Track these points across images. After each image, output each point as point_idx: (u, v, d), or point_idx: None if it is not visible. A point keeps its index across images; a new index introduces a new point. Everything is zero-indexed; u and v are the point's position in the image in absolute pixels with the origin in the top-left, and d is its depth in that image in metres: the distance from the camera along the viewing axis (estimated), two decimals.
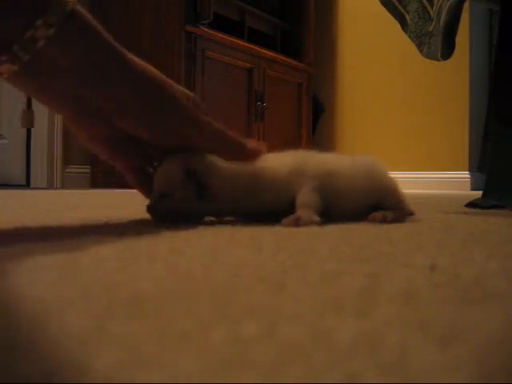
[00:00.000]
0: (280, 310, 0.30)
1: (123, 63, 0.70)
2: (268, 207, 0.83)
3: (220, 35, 3.17)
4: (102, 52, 0.68)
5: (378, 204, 0.91)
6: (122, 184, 3.09)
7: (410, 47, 1.67)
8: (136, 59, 0.73)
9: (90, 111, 0.70)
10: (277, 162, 0.85)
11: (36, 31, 0.58)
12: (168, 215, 0.80)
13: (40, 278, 0.40)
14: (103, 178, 3.18)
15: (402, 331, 0.26)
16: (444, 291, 0.35)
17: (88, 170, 3.24)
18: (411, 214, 0.95)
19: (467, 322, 0.28)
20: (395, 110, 3.84)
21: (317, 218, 0.79)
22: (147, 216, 0.83)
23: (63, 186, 3.17)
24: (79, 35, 0.64)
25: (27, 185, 3.24)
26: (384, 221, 0.85)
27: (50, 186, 3.16)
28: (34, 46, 0.59)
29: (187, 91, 0.79)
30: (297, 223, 0.77)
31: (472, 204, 1.39)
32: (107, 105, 0.69)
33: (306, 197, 0.81)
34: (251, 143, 0.79)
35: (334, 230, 0.73)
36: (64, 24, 0.60)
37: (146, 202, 0.83)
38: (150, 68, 0.74)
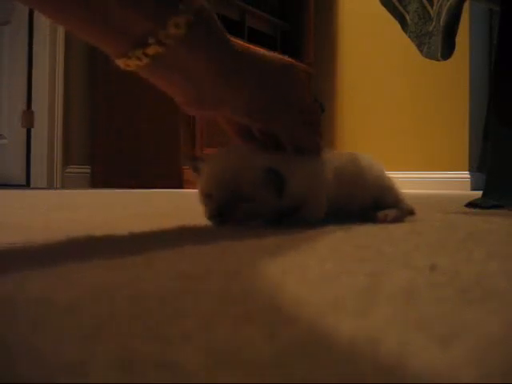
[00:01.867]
0: (280, 310, 0.30)
1: (248, 58, 0.71)
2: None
3: None
4: (227, 51, 0.68)
5: (377, 203, 0.91)
6: (121, 184, 3.10)
7: (410, 47, 1.67)
8: (255, 52, 0.74)
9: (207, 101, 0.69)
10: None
11: (168, 30, 0.58)
12: (247, 218, 0.77)
13: (40, 279, 0.40)
14: (103, 178, 3.18)
15: (402, 331, 0.26)
16: (444, 291, 0.35)
17: (88, 170, 3.24)
18: (412, 212, 0.95)
19: (467, 321, 0.28)
20: (395, 110, 3.84)
21: None
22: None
23: (63, 186, 3.17)
24: (206, 35, 0.64)
25: (27, 185, 3.24)
26: (385, 220, 0.85)
27: (50, 185, 3.16)
28: (164, 44, 0.59)
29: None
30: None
31: (472, 204, 1.39)
32: (236, 102, 0.70)
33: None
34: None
35: (334, 230, 0.73)
36: (193, 24, 0.60)
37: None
38: (272, 59, 0.76)
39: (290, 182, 0.75)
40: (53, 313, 0.30)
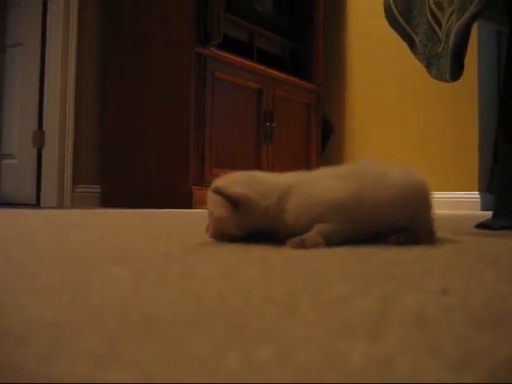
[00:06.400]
0: (292, 333, 0.31)
1: None
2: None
3: (229, 56, 3.19)
4: None
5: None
6: (131, 204, 3.11)
7: (419, 68, 1.68)
8: None
9: None
10: None
11: None
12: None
13: (52, 299, 0.40)
14: (112, 198, 3.19)
15: (413, 355, 0.26)
16: (455, 315, 0.35)
17: (98, 190, 3.25)
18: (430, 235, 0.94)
19: (478, 346, 0.28)
20: (404, 131, 3.84)
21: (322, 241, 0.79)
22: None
23: (73, 206, 3.18)
24: None
25: (37, 204, 3.26)
26: (397, 243, 0.85)
27: (60, 205, 3.18)
28: None
29: None
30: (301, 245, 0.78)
31: (482, 225, 1.39)
32: None
33: None
34: None
35: (345, 252, 0.73)
36: None
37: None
38: None
39: None
40: (65, 335, 0.30)
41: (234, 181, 0.87)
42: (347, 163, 0.97)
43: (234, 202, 0.84)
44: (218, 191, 0.85)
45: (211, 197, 0.87)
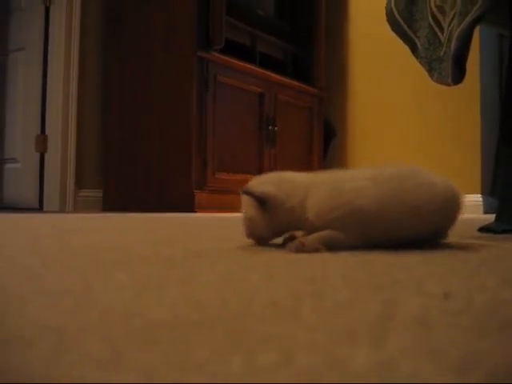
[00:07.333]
0: (295, 338, 0.31)
1: None
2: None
3: (231, 60, 3.20)
4: None
5: None
6: (133, 208, 3.11)
7: (421, 72, 1.68)
8: None
9: None
10: None
11: None
12: None
13: (56, 304, 0.40)
14: (115, 202, 3.20)
15: (415, 360, 0.26)
16: (457, 319, 0.35)
17: (100, 194, 3.26)
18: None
19: (481, 350, 0.28)
20: (406, 134, 3.84)
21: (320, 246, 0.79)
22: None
23: (75, 210, 3.18)
24: None
25: (40, 208, 3.26)
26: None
27: (62, 209, 3.18)
28: None
29: None
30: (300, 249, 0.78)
31: (485, 229, 1.38)
32: None
33: None
34: None
35: (348, 256, 0.73)
36: None
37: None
38: None
39: None
40: (67, 338, 0.30)
41: (263, 181, 0.90)
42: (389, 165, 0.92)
43: (262, 201, 0.86)
44: (246, 191, 0.88)
45: (243, 198, 0.90)
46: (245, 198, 0.89)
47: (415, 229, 0.84)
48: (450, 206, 0.89)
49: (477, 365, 0.25)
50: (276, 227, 0.88)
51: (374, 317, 0.36)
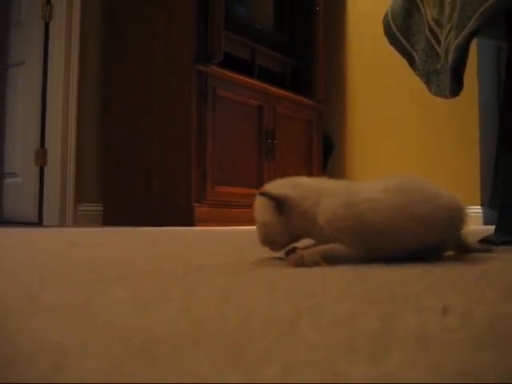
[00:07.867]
0: (293, 353, 0.31)
1: None
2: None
3: (230, 74, 3.21)
4: None
5: None
6: (133, 222, 3.11)
7: (420, 84, 1.68)
8: None
9: None
10: None
11: None
12: None
13: (55, 320, 0.40)
14: (115, 216, 3.20)
15: (414, 377, 0.26)
16: (456, 334, 0.35)
17: (100, 208, 3.26)
18: None
19: (480, 365, 0.28)
20: (405, 146, 3.85)
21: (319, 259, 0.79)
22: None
23: (75, 224, 3.18)
24: None
25: (39, 223, 3.26)
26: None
27: (62, 224, 3.18)
28: None
29: None
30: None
31: (485, 240, 1.38)
32: None
33: None
34: None
35: (347, 271, 0.73)
36: None
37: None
38: None
39: None
40: (67, 354, 0.30)
41: (278, 185, 0.92)
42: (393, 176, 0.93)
43: (279, 203, 0.86)
44: (263, 193, 0.88)
45: (257, 203, 0.91)
46: (258, 204, 0.90)
47: (420, 239, 0.85)
48: (456, 217, 0.89)
49: (476, 378, 0.25)
50: (292, 231, 0.88)
51: (372, 332, 0.36)
